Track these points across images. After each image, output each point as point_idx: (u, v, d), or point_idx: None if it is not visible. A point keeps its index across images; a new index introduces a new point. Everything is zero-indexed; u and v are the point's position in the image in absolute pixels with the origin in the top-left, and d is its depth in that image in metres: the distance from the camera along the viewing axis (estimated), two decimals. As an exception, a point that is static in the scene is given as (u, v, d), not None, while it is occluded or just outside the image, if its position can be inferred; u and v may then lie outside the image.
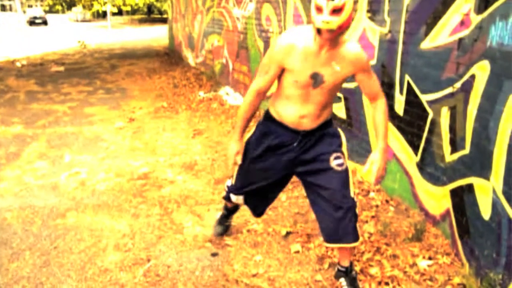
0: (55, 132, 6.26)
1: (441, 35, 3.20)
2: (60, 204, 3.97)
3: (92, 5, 21.29)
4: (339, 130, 2.70)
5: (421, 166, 3.54)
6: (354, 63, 2.39)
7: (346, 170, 2.55)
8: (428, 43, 3.35)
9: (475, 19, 2.85)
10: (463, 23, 2.99)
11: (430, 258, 3.05)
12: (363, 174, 2.53)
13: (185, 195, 4.16)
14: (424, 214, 3.53)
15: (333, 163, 2.52)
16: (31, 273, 2.99)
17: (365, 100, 4.21)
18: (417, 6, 3.46)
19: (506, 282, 2.41)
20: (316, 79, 2.38)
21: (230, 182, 3.00)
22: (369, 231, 3.40)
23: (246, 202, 2.97)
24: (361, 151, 4.36)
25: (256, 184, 2.79)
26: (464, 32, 2.97)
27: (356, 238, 2.57)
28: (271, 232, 3.48)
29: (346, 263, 2.73)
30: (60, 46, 19.13)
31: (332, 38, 2.22)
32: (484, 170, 2.65)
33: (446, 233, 3.24)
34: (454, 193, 3.07)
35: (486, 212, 2.63)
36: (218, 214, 3.45)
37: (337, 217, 2.51)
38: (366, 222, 3.55)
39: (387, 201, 3.93)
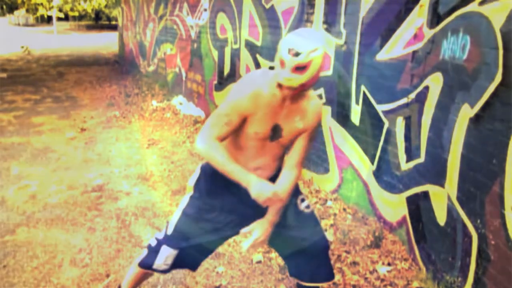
0: (0, 143, 5.95)
1: (396, 48, 3.32)
2: (8, 220, 3.76)
3: (36, 9, 20.44)
4: None
5: (377, 174, 3.64)
6: (312, 120, 2.18)
7: (313, 210, 2.50)
8: (383, 55, 3.47)
9: (428, 33, 2.98)
10: (416, 37, 3.12)
11: (389, 264, 3.14)
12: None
13: (142, 207, 4.07)
14: (381, 221, 3.63)
15: (302, 206, 2.41)
16: (-21, 294, 2.82)
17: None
18: (372, 19, 3.58)
19: (462, 284, 2.51)
20: (275, 132, 2.16)
21: (161, 234, 2.41)
22: (329, 239, 3.44)
23: (177, 263, 2.38)
24: (317, 161, 4.44)
25: (202, 237, 2.34)
26: (418, 45, 3.10)
27: (333, 274, 2.56)
28: (231, 243, 3.45)
29: None
30: (0, 51, 18.26)
31: (293, 94, 2.03)
32: (438, 178, 2.76)
33: (403, 239, 3.35)
34: (410, 200, 3.18)
35: (441, 218, 2.74)
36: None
37: (318, 260, 2.45)
38: (326, 230, 3.60)
39: (344, 209, 4.01)
